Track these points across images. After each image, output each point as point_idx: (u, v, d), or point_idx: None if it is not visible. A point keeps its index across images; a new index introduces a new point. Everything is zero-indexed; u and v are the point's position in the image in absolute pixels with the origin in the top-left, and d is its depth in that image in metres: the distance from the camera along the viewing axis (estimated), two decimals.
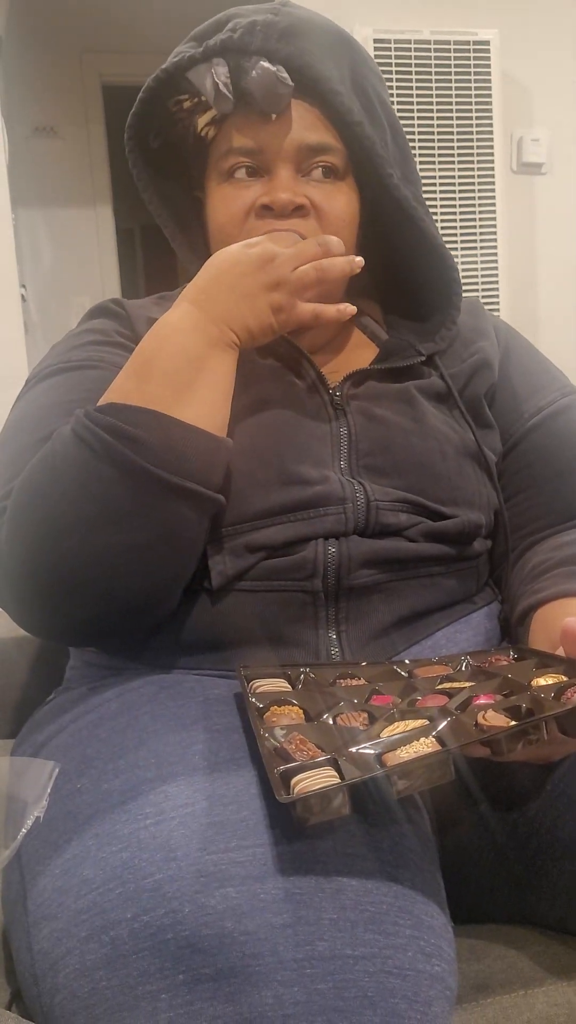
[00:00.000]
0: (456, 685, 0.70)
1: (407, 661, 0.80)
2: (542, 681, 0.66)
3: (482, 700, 0.65)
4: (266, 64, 0.81)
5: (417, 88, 2.82)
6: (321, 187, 0.86)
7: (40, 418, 0.82)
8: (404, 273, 0.97)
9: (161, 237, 0.99)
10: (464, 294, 0.94)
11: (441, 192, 2.90)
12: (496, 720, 0.60)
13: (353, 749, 0.59)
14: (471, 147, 2.91)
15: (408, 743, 0.59)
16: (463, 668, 0.76)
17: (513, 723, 0.59)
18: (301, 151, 0.85)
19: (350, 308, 0.82)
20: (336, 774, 0.57)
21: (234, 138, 0.85)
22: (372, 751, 0.59)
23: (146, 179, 0.92)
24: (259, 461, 0.82)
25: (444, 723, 0.61)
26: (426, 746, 0.58)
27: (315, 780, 0.56)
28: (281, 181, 0.84)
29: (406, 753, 0.57)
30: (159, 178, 0.93)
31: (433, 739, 0.59)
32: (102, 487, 0.70)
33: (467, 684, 0.70)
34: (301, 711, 0.68)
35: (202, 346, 0.76)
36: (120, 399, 0.74)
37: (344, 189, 0.87)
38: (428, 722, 0.62)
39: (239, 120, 0.85)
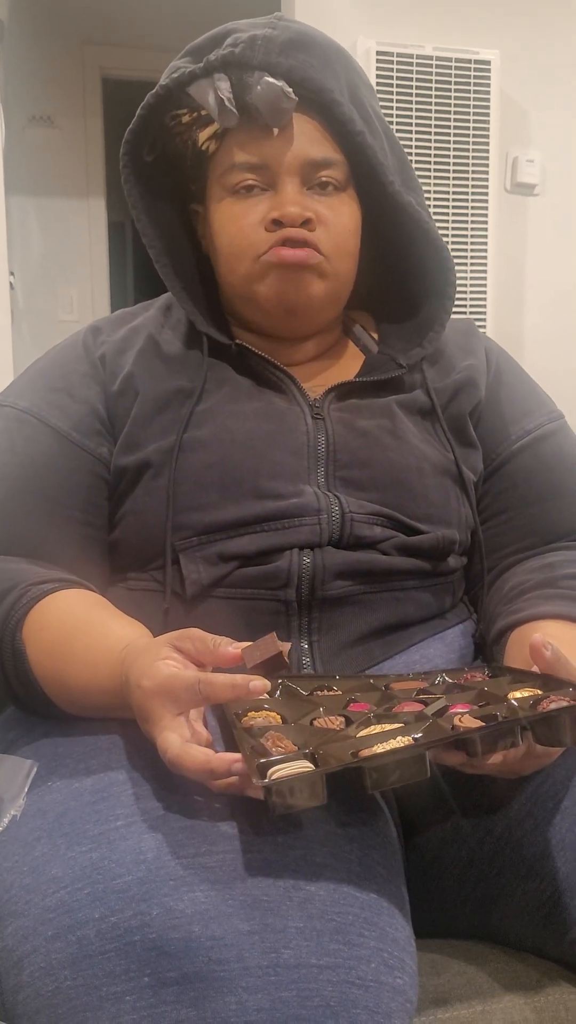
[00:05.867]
0: (432, 696, 0.71)
1: (382, 675, 0.80)
2: (518, 694, 0.66)
3: (459, 708, 0.66)
4: (270, 79, 0.81)
5: (417, 103, 2.84)
6: (326, 200, 0.87)
7: None
8: (400, 278, 0.98)
9: None
10: (452, 312, 0.95)
11: (435, 207, 2.92)
12: (472, 723, 0.61)
13: (329, 745, 0.60)
14: (466, 164, 2.94)
15: (384, 741, 0.59)
16: (438, 682, 0.77)
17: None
18: (306, 166, 0.85)
19: None
20: (312, 766, 0.57)
21: (237, 153, 0.86)
22: (348, 747, 0.59)
23: (136, 196, 0.91)
24: (232, 477, 0.84)
25: (421, 725, 0.61)
26: (402, 743, 0.59)
27: (291, 770, 0.56)
28: (288, 195, 0.85)
29: (382, 748, 0.58)
30: (148, 196, 0.92)
31: (410, 738, 0.60)
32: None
33: (443, 696, 0.71)
34: (279, 716, 0.68)
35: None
36: (35, 653, 0.76)
37: (347, 200, 0.89)
38: (404, 725, 0.63)
39: (242, 135, 0.86)
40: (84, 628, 0.76)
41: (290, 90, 0.82)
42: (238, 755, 0.58)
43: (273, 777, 0.55)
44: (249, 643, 0.64)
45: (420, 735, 0.60)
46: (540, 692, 0.66)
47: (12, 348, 2.96)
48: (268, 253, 0.85)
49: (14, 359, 2.95)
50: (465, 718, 0.62)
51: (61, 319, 4.14)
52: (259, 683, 0.60)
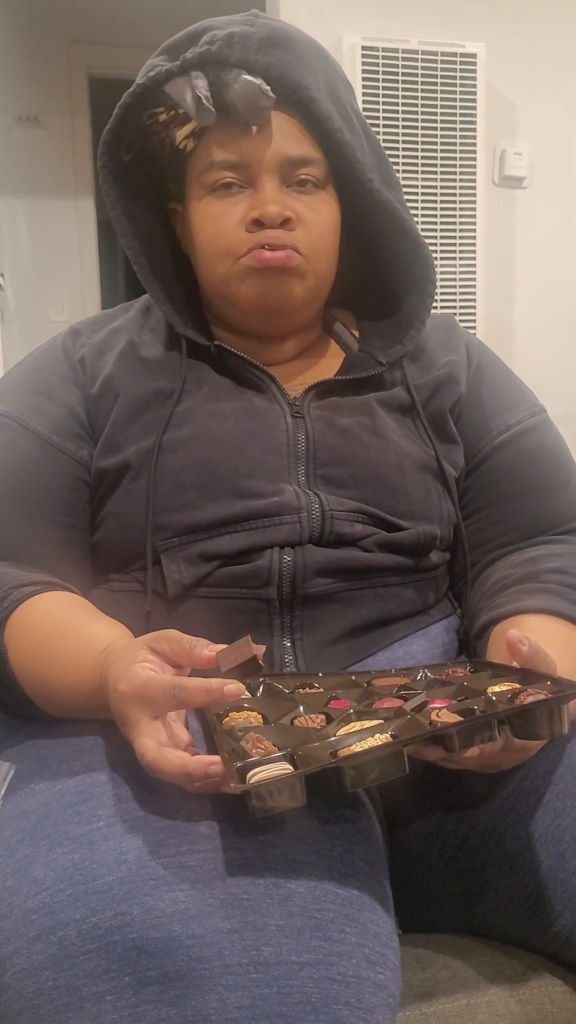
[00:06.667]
0: (413, 692, 0.71)
1: (364, 672, 0.81)
2: (497, 688, 0.67)
3: (437, 703, 0.66)
4: (248, 77, 0.81)
5: (403, 97, 2.83)
6: (305, 199, 0.87)
7: None
8: (380, 275, 0.98)
9: None
10: (441, 305, 0.95)
11: (423, 201, 2.92)
12: (449, 718, 0.61)
13: (308, 746, 0.60)
14: (454, 158, 2.93)
15: (362, 739, 0.60)
16: (420, 678, 0.77)
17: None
18: (284, 164, 0.85)
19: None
20: (291, 768, 0.57)
21: (216, 152, 0.86)
22: (327, 747, 0.60)
23: (115, 196, 0.91)
24: (212, 476, 0.84)
25: (399, 721, 0.62)
26: (380, 741, 0.59)
27: (270, 772, 0.57)
28: (267, 194, 0.85)
29: (360, 747, 0.58)
30: (126, 197, 0.92)
31: (388, 735, 0.60)
32: None
33: (423, 692, 0.71)
34: (260, 715, 0.69)
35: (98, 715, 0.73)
36: (16, 655, 0.77)
37: (326, 198, 0.89)
38: (383, 722, 0.63)
39: (220, 133, 0.85)
40: (65, 630, 0.76)
41: (268, 88, 0.82)
42: (214, 757, 0.58)
43: (252, 780, 0.56)
44: (224, 646, 0.64)
45: (397, 732, 0.60)
46: (518, 686, 0.66)
47: (2, 349, 2.96)
48: (248, 256, 0.85)
49: (4, 360, 2.95)
50: (443, 713, 0.62)
51: (51, 319, 4.12)
52: (233, 687, 0.60)
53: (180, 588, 0.83)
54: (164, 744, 0.61)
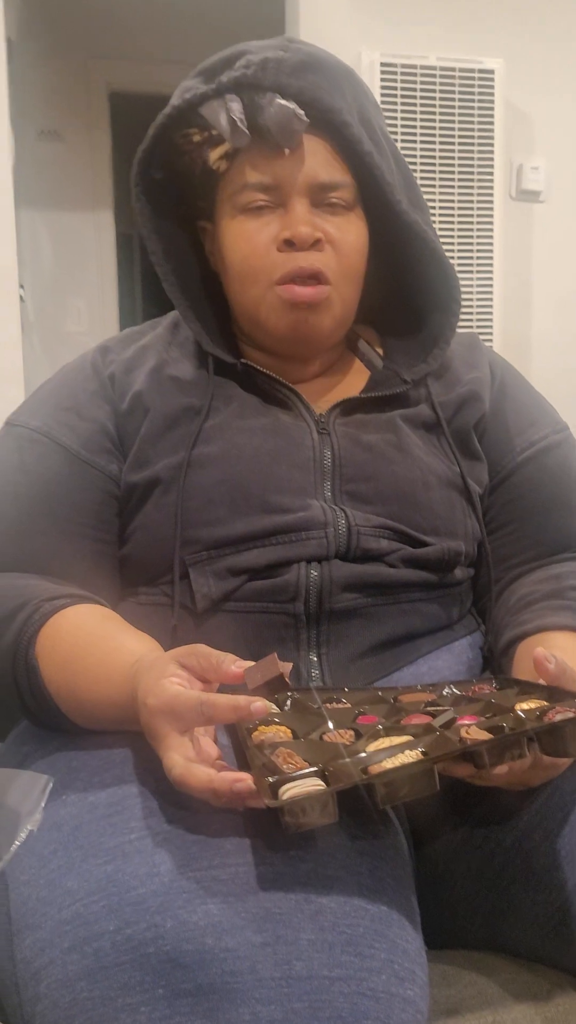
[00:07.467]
0: (440, 708, 0.72)
1: (391, 688, 0.81)
2: (524, 705, 0.67)
3: (466, 720, 0.66)
4: (282, 101, 0.83)
5: (421, 113, 2.85)
6: (334, 220, 0.88)
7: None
8: (404, 293, 0.99)
9: None
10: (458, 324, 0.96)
11: (440, 216, 2.93)
12: (479, 735, 0.62)
13: (339, 762, 0.61)
14: (471, 172, 2.95)
15: (393, 755, 0.60)
16: (446, 694, 0.78)
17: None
18: (314, 187, 0.87)
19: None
20: (323, 784, 0.58)
21: (249, 173, 0.87)
22: (358, 763, 0.60)
23: (147, 213, 0.93)
24: (240, 491, 0.85)
25: (428, 738, 0.62)
26: (411, 758, 0.59)
27: (303, 789, 0.57)
28: (298, 215, 0.86)
29: (391, 764, 0.59)
30: (155, 214, 0.93)
31: (419, 752, 0.60)
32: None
33: (451, 708, 0.71)
34: (288, 730, 0.69)
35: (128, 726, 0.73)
36: (47, 668, 0.77)
37: (354, 219, 0.90)
38: (412, 738, 0.63)
39: (253, 155, 0.87)
40: (95, 642, 0.77)
41: (301, 112, 0.83)
42: (240, 774, 0.59)
43: (284, 796, 0.56)
44: (252, 663, 0.65)
45: (427, 748, 0.61)
46: (546, 703, 0.66)
47: (23, 360, 2.98)
48: (282, 288, 0.87)
49: (24, 371, 2.97)
50: (472, 730, 0.62)
51: (70, 331, 4.16)
52: (260, 705, 0.61)
53: (208, 602, 0.84)
54: (191, 759, 0.61)
